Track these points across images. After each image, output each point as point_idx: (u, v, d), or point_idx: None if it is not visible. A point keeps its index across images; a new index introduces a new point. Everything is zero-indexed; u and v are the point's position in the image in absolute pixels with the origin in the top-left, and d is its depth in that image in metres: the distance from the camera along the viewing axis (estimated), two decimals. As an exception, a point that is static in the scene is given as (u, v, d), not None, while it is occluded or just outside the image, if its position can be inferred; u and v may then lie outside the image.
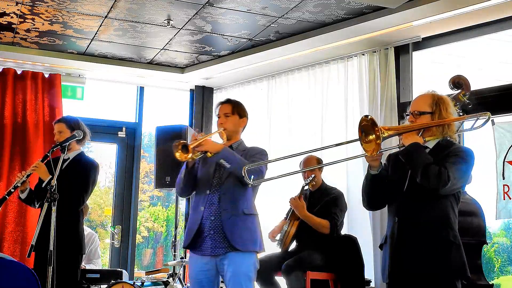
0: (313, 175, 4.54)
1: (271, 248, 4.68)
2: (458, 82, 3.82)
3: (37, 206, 4.23)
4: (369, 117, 2.77)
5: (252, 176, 3.09)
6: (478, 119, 2.96)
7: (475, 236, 3.78)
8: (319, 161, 4.63)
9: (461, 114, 3.69)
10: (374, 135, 2.74)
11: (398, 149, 2.94)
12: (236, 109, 3.50)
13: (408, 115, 3.02)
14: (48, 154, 3.88)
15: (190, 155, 3.18)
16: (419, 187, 2.81)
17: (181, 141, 3.21)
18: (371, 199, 3.04)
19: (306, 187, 4.61)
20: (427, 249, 2.78)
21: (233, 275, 3.23)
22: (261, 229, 3.43)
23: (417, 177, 2.77)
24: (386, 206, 3.07)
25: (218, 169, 3.37)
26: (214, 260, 3.30)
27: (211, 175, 3.39)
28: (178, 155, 3.18)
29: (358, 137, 2.80)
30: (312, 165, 4.54)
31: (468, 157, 2.83)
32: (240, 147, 3.50)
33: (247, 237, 3.28)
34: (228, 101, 3.55)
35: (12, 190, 3.98)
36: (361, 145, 2.79)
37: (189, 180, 3.41)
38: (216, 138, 3.55)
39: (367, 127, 2.76)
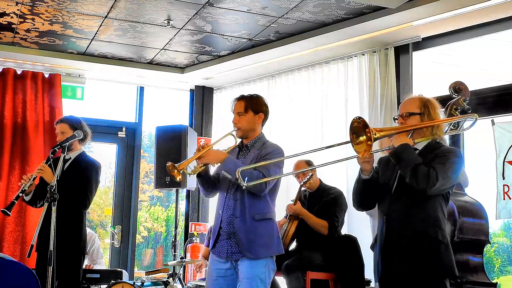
0: (309, 175, 4.53)
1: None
2: (458, 88, 3.87)
3: (38, 206, 4.24)
4: (360, 118, 2.80)
5: (246, 178, 3.02)
6: (466, 121, 3.07)
7: (478, 235, 3.79)
8: (309, 163, 4.63)
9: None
10: (365, 136, 2.77)
11: (388, 150, 2.98)
12: (249, 106, 3.37)
13: (396, 118, 3.07)
14: (51, 156, 3.88)
15: (179, 174, 3.21)
16: (407, 188, 2.85)
17: (171, 164, 3.22)
18: (362, 201, 3.11)
19: (304, 188, 4.62)
20: (416, 248, 2.81)
21: (245, 277, 3.20)
22: (278, 232, 3.37)
23: (406, 177, 2.80)
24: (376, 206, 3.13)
25: None
26: (231, 263, 3.29)
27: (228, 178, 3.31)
28: (174, 175, 3.23)
29: (349, 139, 2.83)
30: (302, 167, 4.55)
31: (457, 158, 2.86)
32: (256, 144, 3.39)
33: (259, 243, 3.22)
34: (241, 98, 3.42)
35: (20, 195, 3.97)
36: (352, 146, 2.82)
37: (205, 186, 3.38)
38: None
39: (358, 128, 2.79)
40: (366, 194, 3.05)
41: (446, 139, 3.46)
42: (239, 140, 3.46)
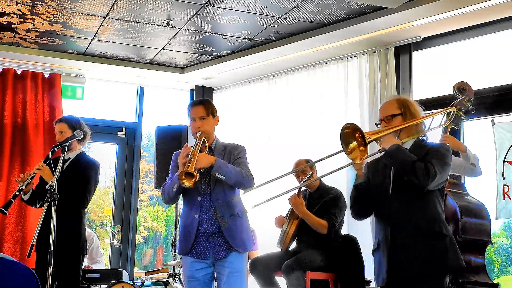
0: (309, 174, 4.52)
1: (271, 248, 4.68)
2: (462, 88, 3.88)
3: (38, 206, 4.23)
4: (351, 124, 2.80)
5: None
6: (445, 114, 3.27)
7: (480, 236, 3.79)
8: (308, 163, 4.62)
9: (463, 118, 3.75)
10: (355, 142, 2.78)
11: (379, 154, 3.01)
12: (210, 110, 3.49)
13: (378, 123, 3.09)
14: (50, 155, 3.87)
15: (196, 178, 3.16)
16: (404, 188, 2.88)
17: (183, 171, 3.17)
18: (359, 209, 3.11)
19: (304, 188, 4.61)
20: (424, 245, 2.83)
21: (231, 273, 3.30)
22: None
23: (405, 175, 2.83)
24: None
25: (202, 173, 3.34)
26: (213, 263, 3.36)
27: (198, 181, 3.35)
28: (188, 184, 3.16)
29: (342, 148, 2.84)
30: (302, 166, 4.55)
31: (448, 152, 2.95)
32: (217, 146, 3.49)
33: (245, 237, 3.38)
34: (201, 102, 3.51)
35: (18, 193, 3.98)
36: (346, 155, 2.85)
37: (179, 192, 3.41)
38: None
39: (347, 134, 2.80)
40: (362, 201, 3.05)
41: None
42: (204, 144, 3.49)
